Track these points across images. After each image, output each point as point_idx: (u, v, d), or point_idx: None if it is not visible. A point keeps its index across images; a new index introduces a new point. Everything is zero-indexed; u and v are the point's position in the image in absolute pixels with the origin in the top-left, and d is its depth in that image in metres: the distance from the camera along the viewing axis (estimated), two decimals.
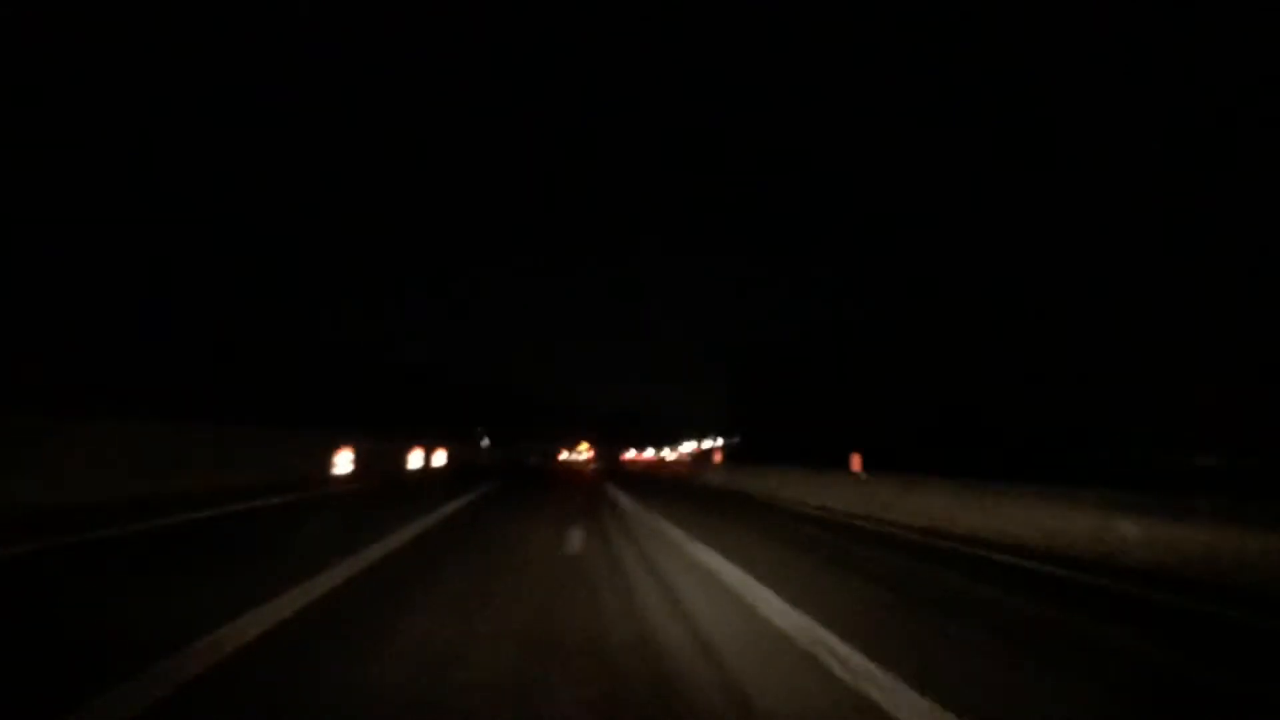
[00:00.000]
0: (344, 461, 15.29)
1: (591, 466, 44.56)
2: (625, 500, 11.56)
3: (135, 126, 18.07)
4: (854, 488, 11.22)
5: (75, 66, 16.12)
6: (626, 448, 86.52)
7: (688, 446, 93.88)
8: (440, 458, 26.07)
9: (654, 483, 18.81)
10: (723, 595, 4.60)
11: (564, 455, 69.78)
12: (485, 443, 52.47)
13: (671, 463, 37.70)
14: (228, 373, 18.61)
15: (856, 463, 12.17)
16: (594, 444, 75.48)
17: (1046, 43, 19.82)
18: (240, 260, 22.36)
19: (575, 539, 6.98)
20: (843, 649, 3.47)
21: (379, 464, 18.10)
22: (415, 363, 44.02)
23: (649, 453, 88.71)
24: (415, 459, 21.70)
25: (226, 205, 21.40)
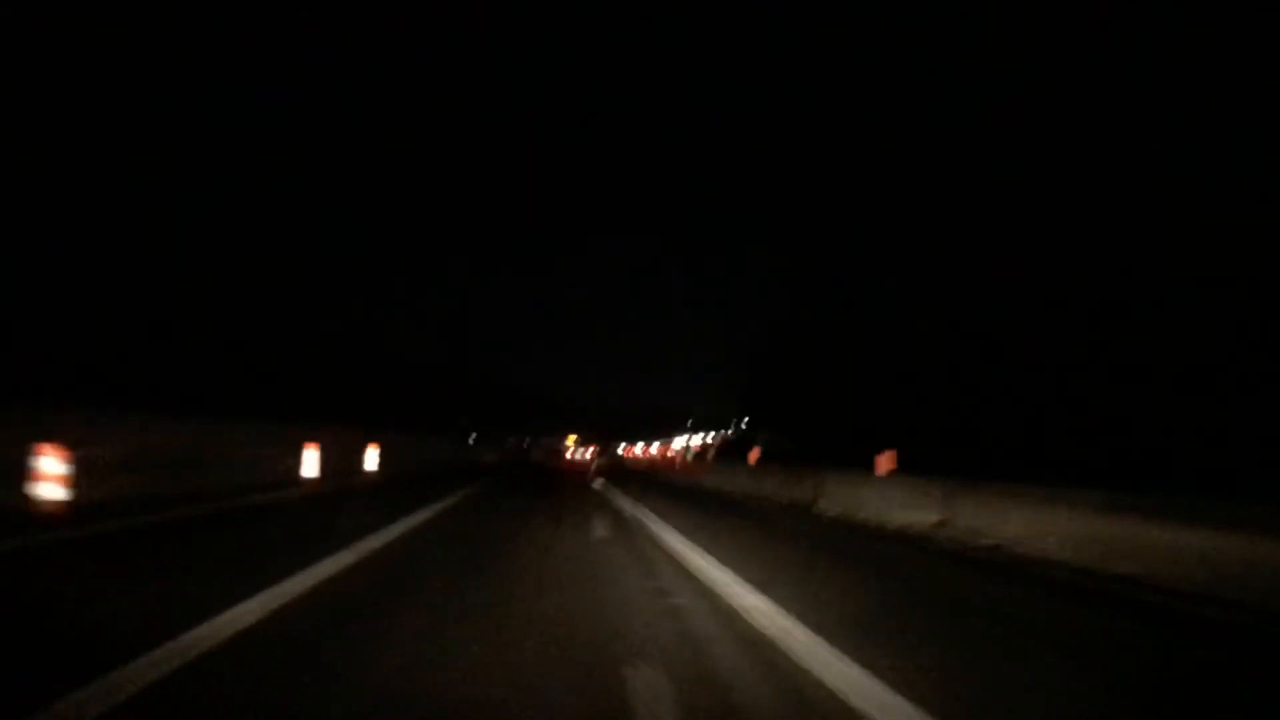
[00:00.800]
0: (50, 472, 6.44)
1: (594, 464, 38.45)
2: None
3: (135, 126, 17.95)
4: None
5: (75, 66, 15.96)
6: (618, 443, 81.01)
7: (679, 442, 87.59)
8: (371, 458, 17.23)
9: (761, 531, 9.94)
10: None
11: (571, 452, 64.08)
12: (472, 438, 48.05)
13: (692, 463, 28.91)
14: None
15: None
16: (595, 440, 70.45)
17: (1046, 43, 19.63)
18: (237, 257, 22.25)
19: None
20: None
21: (213, 474, 9.19)
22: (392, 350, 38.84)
23: (639, 448, 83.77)
24: (310, 462, 12.81)
25: (222, 204, 21.45)
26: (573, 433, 75.99)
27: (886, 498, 8.92)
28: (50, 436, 6.73)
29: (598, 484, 16.56)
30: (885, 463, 9.62)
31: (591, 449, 64.23)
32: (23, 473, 6.65)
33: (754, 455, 17.11)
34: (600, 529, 7.43)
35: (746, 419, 73.38)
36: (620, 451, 75.01)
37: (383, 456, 18.12)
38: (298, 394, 23.37)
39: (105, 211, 16.85)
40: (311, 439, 13.38)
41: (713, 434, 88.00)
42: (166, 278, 19.12)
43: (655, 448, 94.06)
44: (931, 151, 24.35)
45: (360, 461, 17.29)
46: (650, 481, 19.82)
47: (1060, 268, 18.40)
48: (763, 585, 4.56)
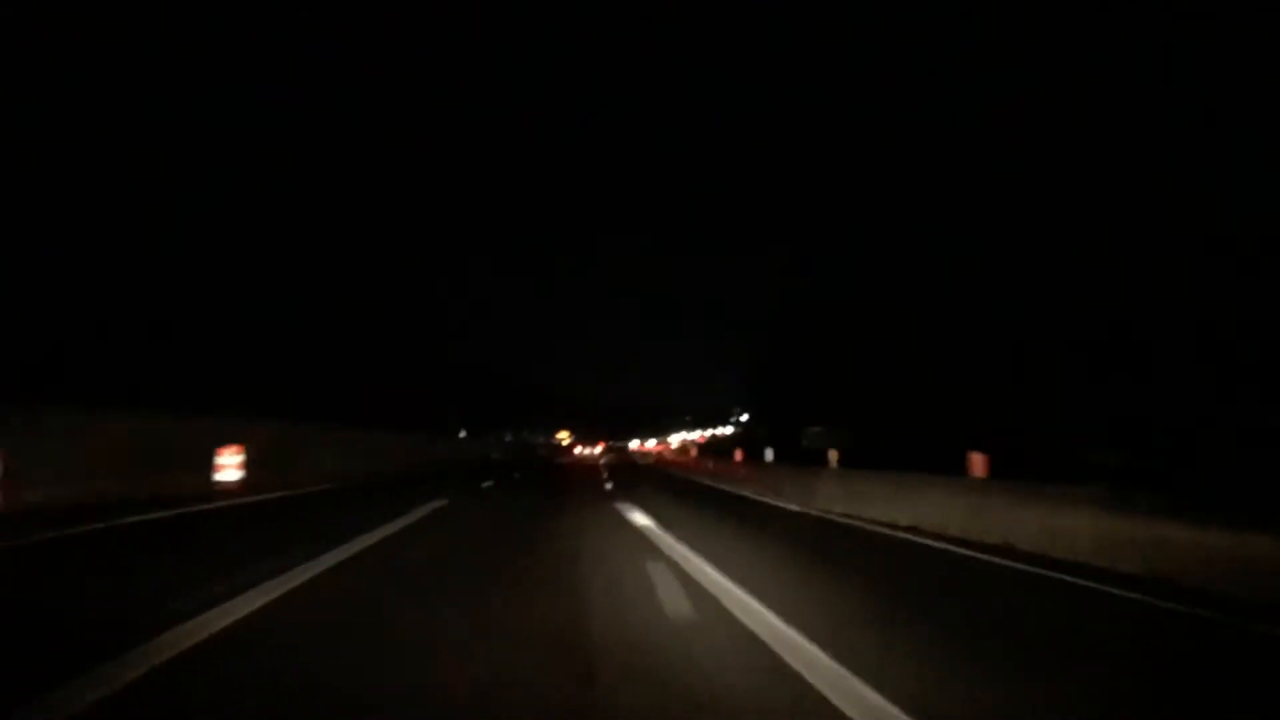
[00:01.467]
0: None
1: (603, 461, 35.62)
2: None
3: (135, 126, 17.76)
4: None
5: (74, 66, 16.05)
6: (616, 439, 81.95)
7: (675, 438, 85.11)
8: (230, 464, 9.49)
9: None
10: None
11: (579, 450, 63.04)
12: (462, 434, 44.87)
13: (764, 469, 20.91)
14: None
15: None
16: (593, 437, 70.69)
17: (1046, 43, 18.62)
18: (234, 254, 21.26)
19: None
20: None
21: None
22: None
23: (634, 444, 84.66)
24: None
25: (219, 200, 20.52)
26: (565, 429, 74.16)
27: None
28: None
29: (635, 517, 8.61)
30: None
31: (601, 446, 65.41)
32: None
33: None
34: None
35: (745, 415, 67.96)
36: (619, 446, 75.41)
37: (274, 460, 10.32)
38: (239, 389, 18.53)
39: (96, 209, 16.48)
40: None
41: (696, 432, 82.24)
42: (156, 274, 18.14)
43: (652, 444, 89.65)
44: (932, 149, 24.00)
45: (214, 470, 9.44)
46: (704, 502, 11.92)
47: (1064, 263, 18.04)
48: None
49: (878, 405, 28.82)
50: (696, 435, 74.13)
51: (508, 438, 57.23)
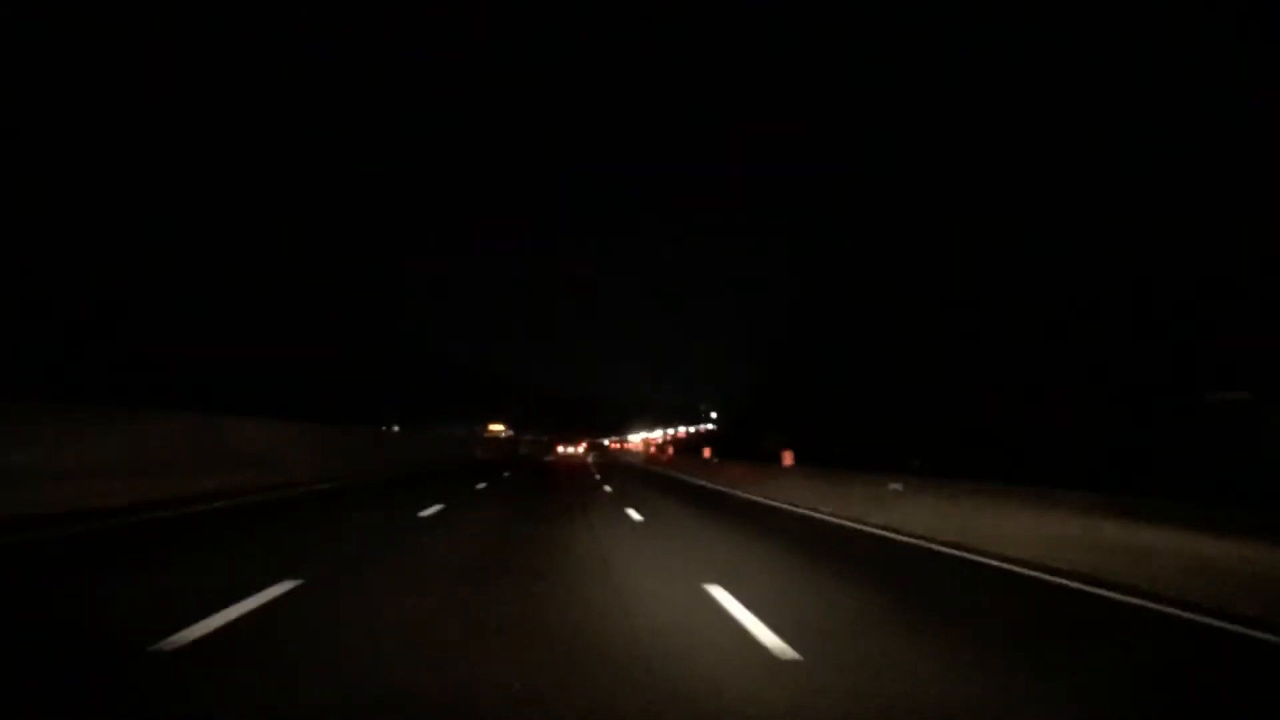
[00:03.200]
0: None
1: (590, 459, 35.46)
2: None
3: (134, 124, 19.21)
4: None
5: (75, 66, 16.75)
6: (578, 438, 78.66)
7: (636, 437, 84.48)
8: None
9: None
10: None
11: (561, 448, 61.49)
12: (395, 428, 42.71)
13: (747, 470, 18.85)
14: None
15: None
16: (588, 436, 70.30)
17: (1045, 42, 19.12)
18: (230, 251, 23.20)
19: None
20: None
21: None
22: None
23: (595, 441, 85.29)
24: None
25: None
26: (498, 422, 69.31)
27: None
28: None
29: None
30: None
31: (583, 444, 65.37)
32: None
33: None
34: None
35: (714, 413, 67.40)
36: (600, 443, 76.26)
37: None
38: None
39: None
40: None
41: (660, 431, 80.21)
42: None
43: (606, 442, 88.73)
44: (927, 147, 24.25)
45: None
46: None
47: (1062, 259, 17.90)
48: None
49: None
50: (659, 434, 72.28)
51: (394, 427, 43.08)
